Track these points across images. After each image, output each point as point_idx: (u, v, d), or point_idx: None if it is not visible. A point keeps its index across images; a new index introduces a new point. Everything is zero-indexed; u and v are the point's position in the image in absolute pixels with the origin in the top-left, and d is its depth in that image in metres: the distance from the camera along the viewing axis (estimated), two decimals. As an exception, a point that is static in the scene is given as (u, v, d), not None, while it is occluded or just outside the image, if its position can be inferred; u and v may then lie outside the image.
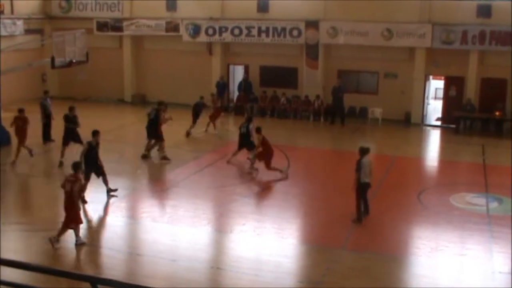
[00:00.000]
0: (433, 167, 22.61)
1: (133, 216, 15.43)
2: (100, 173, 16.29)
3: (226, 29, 30.43)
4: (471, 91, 27.33)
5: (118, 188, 16.58)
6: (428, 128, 28.42)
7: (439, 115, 29.30)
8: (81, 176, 13.78)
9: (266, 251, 13.03)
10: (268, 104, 30.11)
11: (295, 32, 29.35)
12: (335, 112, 28.20)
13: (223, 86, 30.87)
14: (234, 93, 32.23)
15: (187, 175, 18.93)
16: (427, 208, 16.20)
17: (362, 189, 14.59)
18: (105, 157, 16.93)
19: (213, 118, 25.28)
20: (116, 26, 32.25)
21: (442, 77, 29.96)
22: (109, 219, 15.25)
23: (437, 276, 11.93)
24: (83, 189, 14.77)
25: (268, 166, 18.62)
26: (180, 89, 31.48)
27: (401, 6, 27.62)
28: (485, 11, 26.49)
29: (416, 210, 16.06)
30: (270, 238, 13.89)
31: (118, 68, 33.03)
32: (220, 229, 14.44)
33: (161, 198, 16.85)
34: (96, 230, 14.50)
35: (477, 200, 16.68)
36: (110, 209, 15.71)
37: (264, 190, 17.72)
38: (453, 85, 28.45)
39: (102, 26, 32.37)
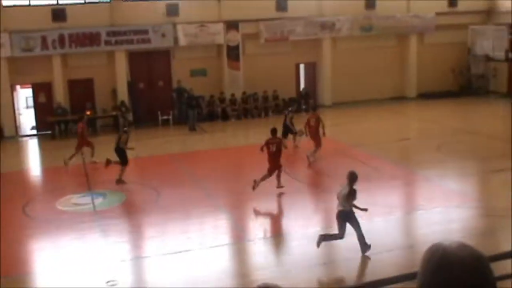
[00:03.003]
0: (36, 177, 22.08)
1: None
2: None
3: None
4: (61, 95, 27.41)
5: None
6: (25, 138, 27.67)
7: (34, 123, 28.76)
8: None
9: None
10: None
11: None
12: None
13: None
14: None
15: None
16: (35, 219, 15.75)
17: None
18: None
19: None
20: None
21: (30, 85, 29.38)
22: None
23: None
24: None
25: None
26: None
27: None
28: (60, 15, 26.70)
29: (23, 224, 15.44)
30: None
31: None
32: None
33: None
34: None
35: (83, 200, 16.84)
36: None
37: None
38: (42, 91, 28.16)
39: None
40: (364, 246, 12.06)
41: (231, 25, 29.06)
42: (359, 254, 12.11)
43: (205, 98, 28.96)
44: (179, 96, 28.19)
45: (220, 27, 28.79)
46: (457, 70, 33.17)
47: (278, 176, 16.68)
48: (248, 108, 29.32)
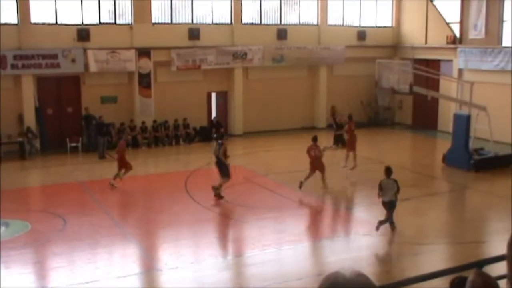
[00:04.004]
0: None
1: None
2: None
3: None
4: None
5: None
6: None
7: None
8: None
9: None
10: None
11: None
12: None
13: None
14: None
15: None
16: None
17: (384, 206, 15.39)
18: None
19: None
20: None
21: None
22: None
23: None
24: None
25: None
26: None
27: None
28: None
29: None
30: None
31: None
32: None
33: None
34: None
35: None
36: None
37: None
38: None
39: None
40: (392, 224, 15.31)
41: (143, 52, 28.83)
42: (265, 283, 12.15)
43: (115, 125, 28.47)
44: (87, 123, 27.61)
45: (132, 54, 28.50)
46: (365, 102, 34.19)
47: (323, 178, 19.78)
48: (159, 136, 29.02)
